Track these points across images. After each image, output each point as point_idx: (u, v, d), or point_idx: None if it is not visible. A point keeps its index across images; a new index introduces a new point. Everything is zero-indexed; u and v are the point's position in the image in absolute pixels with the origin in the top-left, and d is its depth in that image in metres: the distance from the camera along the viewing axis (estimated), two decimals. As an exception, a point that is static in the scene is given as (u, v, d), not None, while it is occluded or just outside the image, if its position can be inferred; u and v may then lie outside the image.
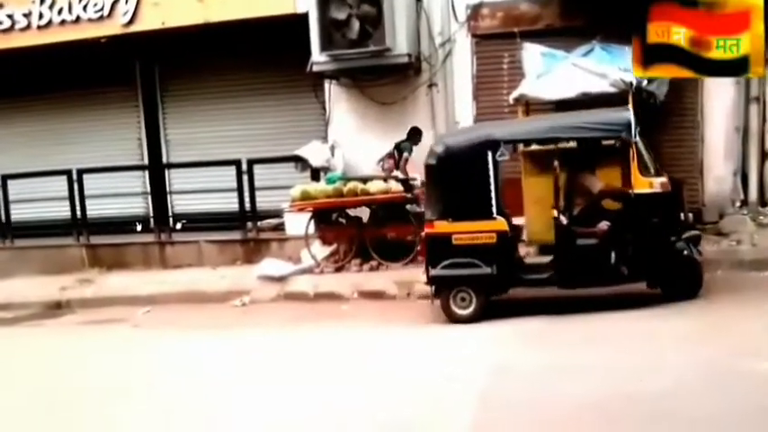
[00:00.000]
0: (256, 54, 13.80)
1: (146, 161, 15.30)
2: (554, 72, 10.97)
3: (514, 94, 11.20)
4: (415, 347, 7.78)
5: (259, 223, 13.37)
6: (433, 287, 8.96)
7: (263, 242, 13.06)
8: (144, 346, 9.03)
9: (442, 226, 8.83)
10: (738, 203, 11.98)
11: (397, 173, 11.97)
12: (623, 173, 9.31)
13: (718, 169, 12.05)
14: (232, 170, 13.20)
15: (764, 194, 12.00)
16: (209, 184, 14.02)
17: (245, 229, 13.35)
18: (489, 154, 8.63)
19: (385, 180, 11.51)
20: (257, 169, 13.23)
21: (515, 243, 9.37)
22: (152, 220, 14.97)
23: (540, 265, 9.31)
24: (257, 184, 13.18)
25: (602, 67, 10.74)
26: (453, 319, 8.74)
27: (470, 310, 8.74)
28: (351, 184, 11.46)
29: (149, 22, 13.59)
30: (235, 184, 13.20)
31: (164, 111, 15.23)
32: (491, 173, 8.71)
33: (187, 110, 15.02)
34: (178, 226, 14.82)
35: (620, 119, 8.58)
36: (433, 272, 8.85)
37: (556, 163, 8.91)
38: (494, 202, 8.74)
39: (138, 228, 15.12)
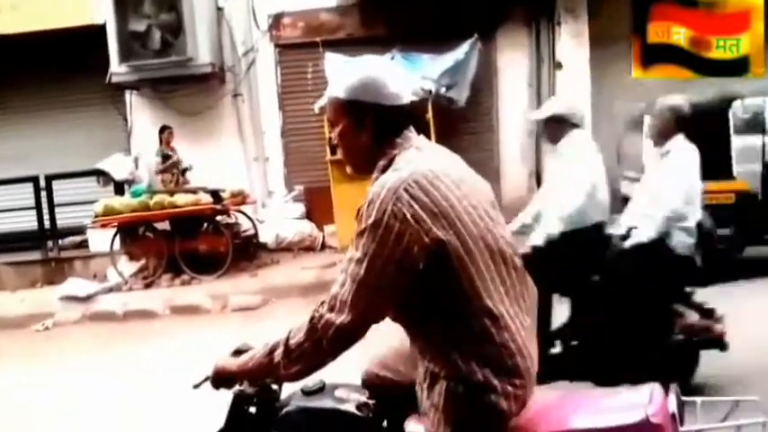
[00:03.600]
0: (54, 67, 13.17)
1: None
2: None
3: (318, 103, 11.32)
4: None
5: (61, 242, 12.81)
6: None
7: (66, 261, 12.52)
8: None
9: None
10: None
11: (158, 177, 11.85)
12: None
13: (514, 171, 12.69)
14: (29, 187, 12.58)
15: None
16: (4, 203, 13.29)
17: (46, 249, 12.74)
18: (729, 111, 8.27)
19: (194, 192, 11.35)
20: (57, 185, 12.68)
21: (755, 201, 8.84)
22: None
23: None
24: (58, 200, 12.63)
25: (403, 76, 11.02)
26: None
27: None
28: (157, 197, 11.18)
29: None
30: (33, 202, 12.58)
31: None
32: (730, 131, 8.35)
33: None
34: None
35: None
36: None
37: None
38: (733, 161, 8.36)
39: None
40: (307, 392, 2.67)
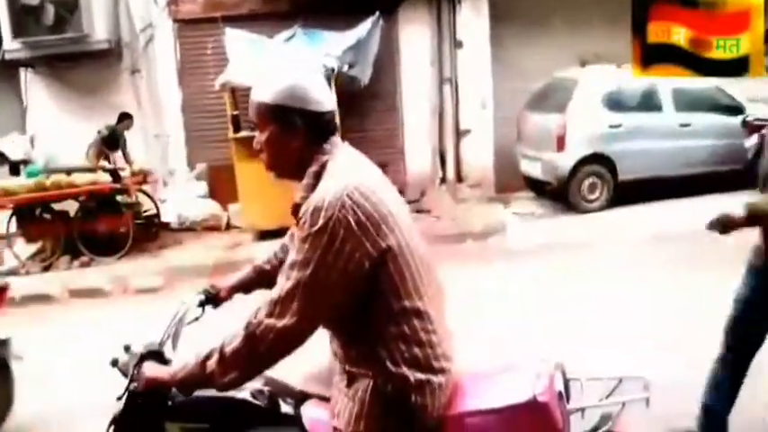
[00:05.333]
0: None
1: None
2: (258, 58, 11.05)
3: (220, 80, 11.17)
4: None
5: (-46, 225, 12.35)
6: None
7: (-40, 245, 12.10)
8: None
9: None
10: (438, 181, 12.83)
11: (104, 163, 11.55)
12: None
13: (418, 149, 12.84)
14: None
15: (461, 172, 12.95)
16: None
17: (-63, 233, 12.27)
18: None
19: (92, 171, 11.09)
20: (-52, 168, 12.21)
21: None
22: None
23: None
24: (-51, 183, 12.13)
25: (305, 53, 11.00)
26: None
27: None
28: (54, 177, 10.86)
29: None
30: None
31: None
32: None
33: None
34: None
35: None
36: None
37: None
38: None
39: None
40: None
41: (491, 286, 8.13)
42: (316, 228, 2.20)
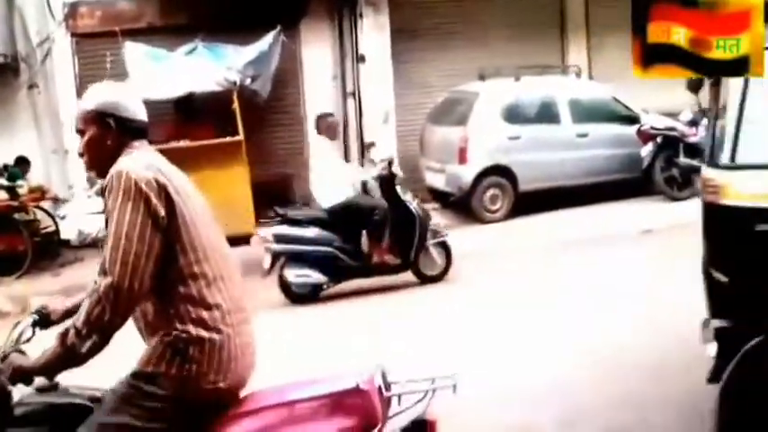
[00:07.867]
0: None
1: None
2: (159, 71, 10.92)
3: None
4: None
5: None
6: None
7: None
8: None
9: None
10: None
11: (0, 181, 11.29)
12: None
13: (325, 162, 12.82)
14: None
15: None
16: None
17: None
18: None
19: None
20: None
21: None
22: None
23: None
24: None
25: (207, 66, 10.94)
26: None
27: None
28: (-52, 195, 10.61)
29: None
30: None
31: None
32: None
33: None
34: None
35: None
36: None
37: None
38: None
39: None
40: (41, 390, 2.74)
41: (397, 296, 8.29)
42: (122, 191, 2.50)
